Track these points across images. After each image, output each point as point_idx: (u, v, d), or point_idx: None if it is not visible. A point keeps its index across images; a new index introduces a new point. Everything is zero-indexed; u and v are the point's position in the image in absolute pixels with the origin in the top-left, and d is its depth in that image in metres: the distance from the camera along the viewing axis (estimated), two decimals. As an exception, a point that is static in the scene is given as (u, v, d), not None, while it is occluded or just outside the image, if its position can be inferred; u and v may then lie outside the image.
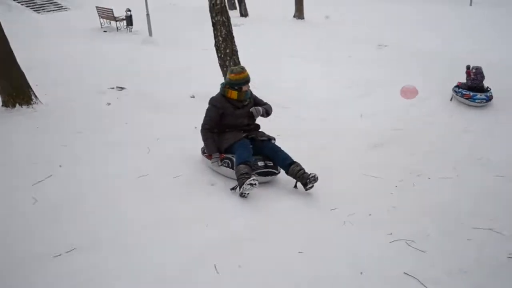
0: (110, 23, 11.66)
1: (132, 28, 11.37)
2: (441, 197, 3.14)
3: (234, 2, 14.09)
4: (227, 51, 5.10)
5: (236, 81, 3.17)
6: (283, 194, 3.08)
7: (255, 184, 2.85)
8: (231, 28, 5.12)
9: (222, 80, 4.11)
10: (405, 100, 4.55)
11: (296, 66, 7.28)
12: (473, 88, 5.54)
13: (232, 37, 5.12)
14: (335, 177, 3.36)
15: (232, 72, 3.23)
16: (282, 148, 3.23)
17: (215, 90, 3.38)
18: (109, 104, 4.96)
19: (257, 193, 2.96)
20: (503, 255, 2.40)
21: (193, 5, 13.31)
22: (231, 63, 4.97)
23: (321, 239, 2.53)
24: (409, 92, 4.41)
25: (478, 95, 5.48)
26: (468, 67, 5.80)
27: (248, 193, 2.91)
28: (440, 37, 9.55)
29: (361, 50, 8.51)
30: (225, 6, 5.03)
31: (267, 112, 3.32)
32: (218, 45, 5.11)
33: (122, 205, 2.76)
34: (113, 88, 5.55)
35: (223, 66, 5.10)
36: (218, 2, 4.92)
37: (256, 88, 3.88)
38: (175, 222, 2.61)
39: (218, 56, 5.18)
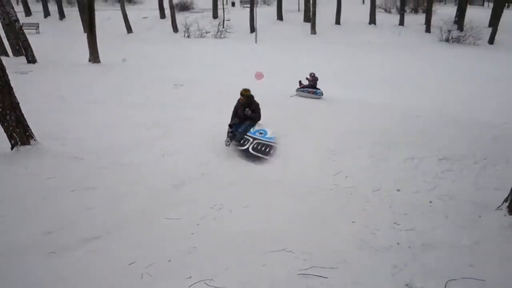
0: None
1: None
2: (241, 227, 3.23)
3: (20, 48, 12.88)
4: (5, 103, 4.53)
5: (242, 94, 5.73)
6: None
7: (227, 143, 5.47)
8: (8, 78, 4.59)
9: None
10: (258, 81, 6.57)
11: (94, 112, 6.92)
12: (313, 87, 8.25)
13: (10, 88, 4.58)
14: (135, 225, 3.20)
15: (243, 89, 5.77)
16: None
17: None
18: None
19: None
20: (294, 273, 2.58)
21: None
22: (13, 117, 4.45)
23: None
24: (259, 75, 6.62)
25: (318, 91, 8.13)
26: (311, 74, 8.37)
27: (228, 144, 5.49)
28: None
29: (158, 90, 8.58)
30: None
31: (251, 115, 5.68)
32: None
33: None
34: None
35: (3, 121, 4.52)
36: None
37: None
38: None
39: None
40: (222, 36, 20.41)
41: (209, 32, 19.91)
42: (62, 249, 2.79)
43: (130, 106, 7.33)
